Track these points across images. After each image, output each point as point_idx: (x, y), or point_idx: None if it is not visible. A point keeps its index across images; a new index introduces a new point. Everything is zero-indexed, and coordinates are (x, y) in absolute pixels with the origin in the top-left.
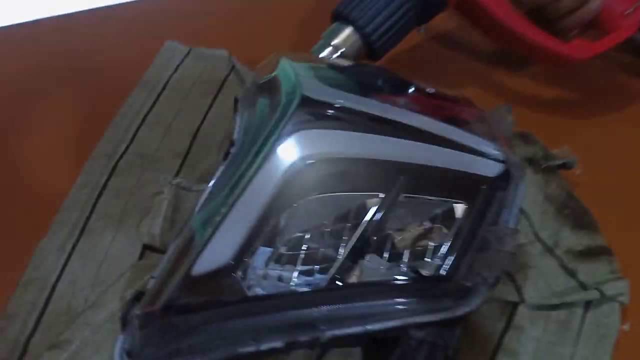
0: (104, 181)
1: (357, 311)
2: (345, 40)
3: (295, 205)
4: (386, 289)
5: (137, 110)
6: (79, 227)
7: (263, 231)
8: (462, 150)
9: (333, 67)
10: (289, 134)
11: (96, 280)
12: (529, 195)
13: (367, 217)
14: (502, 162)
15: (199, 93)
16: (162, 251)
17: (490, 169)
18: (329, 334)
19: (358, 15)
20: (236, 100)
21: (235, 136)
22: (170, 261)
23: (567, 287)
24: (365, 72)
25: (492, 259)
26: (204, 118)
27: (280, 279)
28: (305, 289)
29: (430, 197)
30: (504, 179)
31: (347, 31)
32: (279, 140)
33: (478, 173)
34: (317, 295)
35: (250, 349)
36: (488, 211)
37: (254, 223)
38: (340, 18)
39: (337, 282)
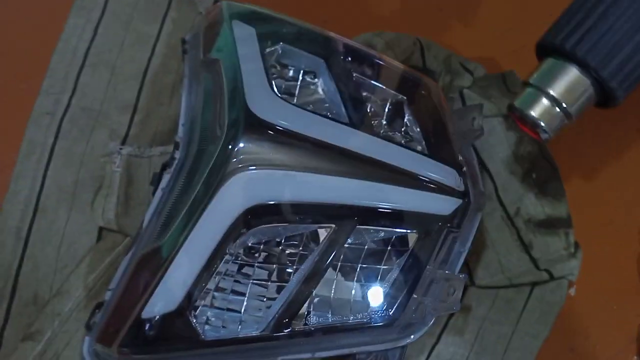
0: (50, 145)
1: (306, 344)
2: (570, 89)
3: (241, 240)
4: (334, 330)
5: (75, 45)
6: (31, 205)
7: (210, 271)
8: (416, 187)
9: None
10: (234, 174)
11: (57, 265)
12: (499, 154)
13: (319, 248)
14: (460, 197)
15: (143, 21)
16: (119, 232)
17: (446, 206)
18: (280, 358)
19: (588, 51)
20: (183, 41)
21: (180, 135)
22: (124, 286)
23: (519, 266)
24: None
25: (437, 303)
26: (152, 53)
27: (224, 324)
28: (255, 332)
29: (381, 229)
30: (460, 215)
31: (572, 74)
32: (222, 184)
33: (432, 213)
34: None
35: None
36: (440, 249)
37: (201, 267)
38: (555, 53)
39: (284, 321)
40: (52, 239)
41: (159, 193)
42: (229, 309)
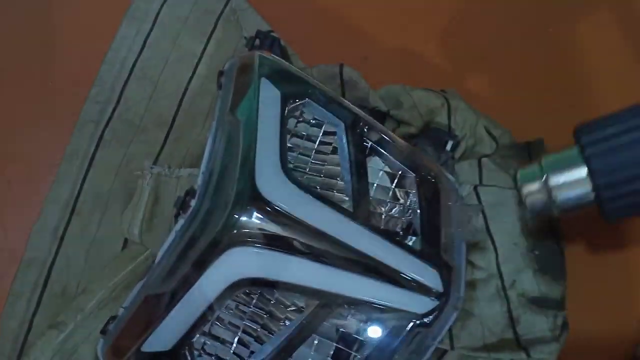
0: (91, 153)
1: None
2: (569, 186)
3: (229, 305)
4: None
5: (124, 56)
6: (69, 208)
7: (204, 323)
8: (396, 284)
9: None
10: (234, 245)
11: (85, 265)
12: (506, 225)
13: (299, 321)
14: (437, 297)
15: (189, 37)
16: (141, 244)
17: (421, 305)
18: None
19: (597, 155)
20: (220, 74)
21: (198, 183)
22: (129, 318)
23: (502, 338)
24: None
25: None
26: (193, 73)
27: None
28: None
29: (358, 320)
30: (435, 314)
31: (579, 173)
32: (222, 252)
33: (407, 310)
34: None
35: None
36: (410, 343)
37: (194, 320)
38: (582, 143)
39: None
40: (83, 242)
41: (172, 234)
42: (223, 340)
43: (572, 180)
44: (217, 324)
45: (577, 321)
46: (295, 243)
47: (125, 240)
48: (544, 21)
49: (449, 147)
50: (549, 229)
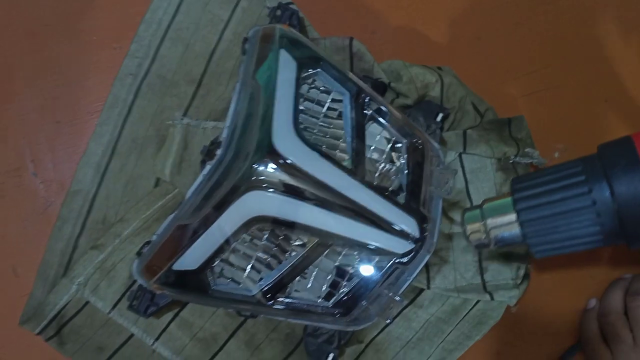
0: (130, 102)
1: (282, 312)
2: (502, 226)
3: (245, 238)
4: (303, 310)
5: (160, 18)
6: (110, 148)
7: (224, 250)
8: (383, 229)
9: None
10: (253, 189)
11: (122, 198)
12: (484, 188)
13: (304, 251)
14: (414, 242)
15: (218, 4)
16: (171, 184)
17: (401, 247)
18: (262, 315)
19: (528, 211)
20: (245, 40)
21: (224, 136)
22: (162, 243)
23: (471, 283)
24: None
25: (379, 311)
26: (220, 37)
27: (233, 280)
28: (249, 294)
29: (351, 253)
30: (411, 255)
31: (510, 218)
32: (243, 194)
33: (387, 249)
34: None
35: (214, 306)
36: (389, 276)
37: (217, 246)
38: (514, 198)
39: (269, 295)
40: (122, 178)
41: (200, 177)
42: (238, 267)
43: (505, 223)
44: (234, 254)
45: (538, 274)
46: (302, 190)
47: (157, 180)
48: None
49: (439, 118)
50: None
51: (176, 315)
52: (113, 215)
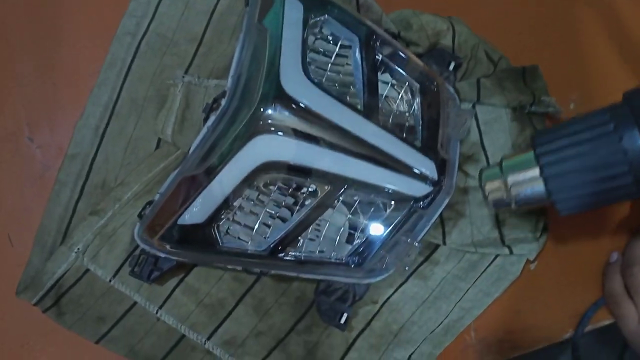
0: (129, 62)
1: (293, 267)
2: (525, 184)
3: (255, 188)
4: (316, 262)
5: None
6: (109, 110)
7: (232, 201)
8: (400, 172)
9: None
10: (260, 133)
11: (123, 161)
12: (499, 140)
13: (316, 200)
14: (432, 185)
15: None
16: (173, 144)
17: (419, 190)
18: (273, 271)
19: (549, 164)
20: None
21: (228, 85)
22: (167, 198)
23: (488, 237)
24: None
25: (397, 260)
26: None
27: (239, 237)
28: (259, 250)
29: (361, 199)
30: (430, 199)
31: (533, 173)
32: (251, 139)
33: (407, 193)
34: (264, 258)
35: (220, 265)
36: (407, 222)
37: (225, 197)
38: (536, 153)
39: (280, 247)
40: (121, 140)
41: (204, 129)
42: (245, 225)
43: (528, 179)
44: (241, 211)
45: (556, 227)
46: (313, 133)
47: (159, 141)
48: None
49: (451, 67)
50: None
51: (181, 281)
52: (113, 178)
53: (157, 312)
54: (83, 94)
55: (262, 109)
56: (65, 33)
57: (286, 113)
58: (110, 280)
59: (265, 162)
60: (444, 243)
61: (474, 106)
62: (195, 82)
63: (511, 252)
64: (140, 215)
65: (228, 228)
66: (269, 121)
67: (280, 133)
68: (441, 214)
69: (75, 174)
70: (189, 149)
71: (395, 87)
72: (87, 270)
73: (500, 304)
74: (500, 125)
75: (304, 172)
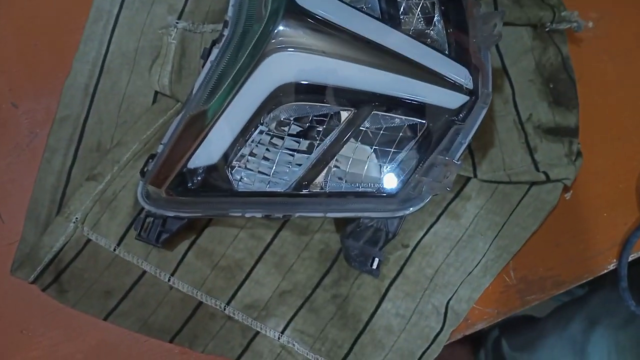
0: (115, 14)
1: (321, 202)
2: None
3: (274, 114)
4: (344, 195)
5: None
6: (98, 66)
7: (246, 136)
8: (431, 82)
9: None
10: (273, 52)
11: (118, 120)
12: (522, 61)
13: (340, 127)
14: (468, 94)
15: None
16: (172, 97)
17: (454, 101)
18: (297, 214)
19: None
20: None
21: (229, 14)
22: (174, 141)
23: (520, 165)
24: None
25: (434, 184)
26: None
27: (255, 183)
28: (279, 188)
29: (396, 116)
30: (466, 110)
31: None
32: (262, 60)
33: (441, 106)
34: (286, 196)
35: (237, 214)
36: (443, 137)
37: (239, 131)
38: None
39: (304, 184)
40: (114, 97)
41: (207, 65)
42: (259, 172)
43: None
44: (254, 157)
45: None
46: (332, 47)
47: (156, 95)
48: None
49: None
50: (560, 64)
51: (192, 243)
52: (108, 139)
53: (169, 280)
54: (68, 53)
55: (271, 27)
56: None
57: (300, 27)
58: (114, 250)
59: (280, 86)
60: (475, 175)
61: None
62: (189, 27)
63: (548, 178)
64: (142, 173)
65: (241, 177)
66: (281, 38)
67: (293, 50)
68: (469, 144)
69: (66, 138)
70: (192, 89)
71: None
72: (89, 240)
73: (537, 238)
74: (521, 45)
75: (325, 93)
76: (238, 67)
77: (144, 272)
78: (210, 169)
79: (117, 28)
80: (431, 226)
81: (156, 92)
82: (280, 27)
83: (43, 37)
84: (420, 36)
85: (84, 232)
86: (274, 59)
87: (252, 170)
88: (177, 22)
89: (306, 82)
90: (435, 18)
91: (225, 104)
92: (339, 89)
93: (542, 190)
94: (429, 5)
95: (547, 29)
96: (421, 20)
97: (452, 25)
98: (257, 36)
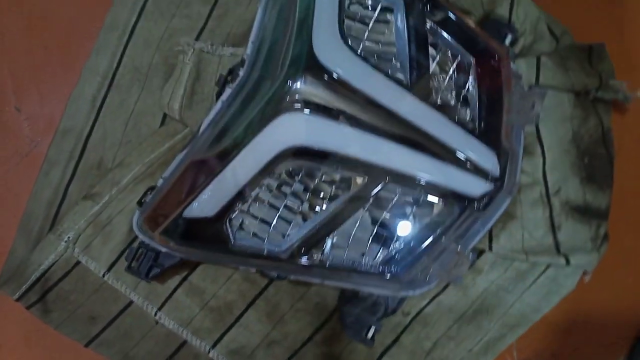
0: (132, 23)
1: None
2: None
3: (276, 176)
4: (345, 270)
5: None
6: (108, 79)
7: (247, 193)
8: (452, 164)
9: None
10: (287, 111)
11: (123, 139)
12: (558, 129)
13: (347, 196)
14: (492, 182)
15: None
16: (180, 121)
17: (477, 188)
18: (293, 276)
19: None
20: None
21: (248, 52)
22: (172, 184)
23: (542, 243)
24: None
25: (442, 271)
26: None
27: (255, 234)
28: (278, 249)
29: (409, 194)
30: (488, 199)
31: None
32: (275, 117)
33: (461, 191)
34: (284, 261)
35: (232, 266)
36: (457, 225)
37: (240, 187)
38: None
39: (304, 249)
40: (121, 114)
41: (218, 104)
42: (257, 231)
43: None
44: (257, 203)
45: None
46: (348, 112)
47: (164, 117)
48: None
49: (508, 40)
50: (599, 137)
51: (184, 279)
52: (111, 158)
53: (156, 314)
54: (79, 59)
55: (289, 82)
56: None
57: (319, 86)
58: (103, 275)
59: (289, 147)
60: (490, 249)
61: (530, 89)
62: (208, 49)
63: (568, 263)
64: (140, 203)
65: (242, 222)
66: (297, 96)
67: (308, 111)
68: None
69: (67, 151)
70: (199, 127)
71: (447, 60)
72: (78, 262)
73: (547, 321)
74: (561, 112)
75: (336, 160)
76: (248, 120)
77: (131, 302)
78: (206, 222)
79: (133, 39)
80: (436, 296)
81: (165, 114)
82: (297, 85)
83: (54, 40)
84: (447, 105)
85: (74, 253)
86: (286, 119)
87: (250, 227)
88: (194, 42)
89: (317, 148)
90: (469, 83)
91: (230, 158)
92: (350, 158)
93: (560, 273)
94: (466, 65)
95: (591, 97)
96: (452, 86)
97: (486, 96)
98: (273, 90)
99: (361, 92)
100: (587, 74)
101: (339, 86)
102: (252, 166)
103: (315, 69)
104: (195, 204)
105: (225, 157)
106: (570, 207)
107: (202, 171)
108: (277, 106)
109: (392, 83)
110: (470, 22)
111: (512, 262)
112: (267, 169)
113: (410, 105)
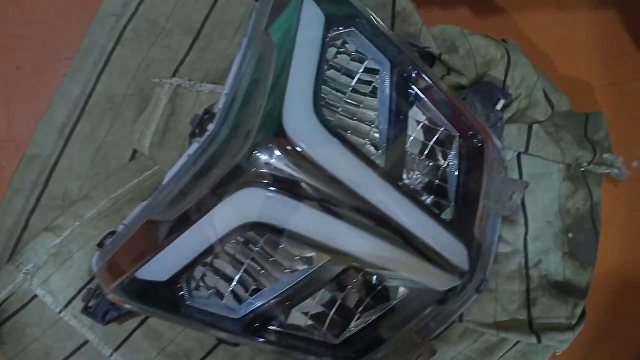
0: (109, 50)
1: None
2: None
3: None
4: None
5: None
6: (79, 106)
7: (201, 261)
8: (420, 257)
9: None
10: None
11: (90, 170)
12: (544, 200)
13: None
14: (459, 276)
15: None
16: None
17: (442, 283)
18: (250, 343)
19: None
20: None
21: (219, 106)
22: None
23: (514, 318)
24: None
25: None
26: None
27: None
28: (232, 316)
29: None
30: (453, 293)
31: None
32: (236, 190)
33: (424, 284)
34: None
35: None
36: (417, 314)
37: (194, 256)
38: None
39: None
40: (90, 145)
41: (184, 158)
42: (216, 289)
43: None
44: (219, 259)
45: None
46: (311, 192)
47: (134, 151)
48: None
49: (499, 106)
50: (586, 213)
51: (142, 322)
52: (76, 190)
53: (111, 355)
54: (51, 82)
55: (255, 153)
56: (37, 5)
57: (283, 160)
58: (60, 312)
59: (249, 222)
60: (460, 320)
61: (519, 156)
62: (185, 84)
63: (539, 341)
64: (100, 245)
65: (203, 275)
66: (262, 170)
67: (271, 188)
68: None
69: (31, 180)
70: (167, 172)
71: (428, 131)
72: (36, 296)
73: None
74: (548, 183)
75: (295, 238)
76: (209, 187)
77: (87, 341)
78: (159, 285)
79: (108, 67)
80: None
81: (135, 149)
82: (263, 157)
83: (28, 60)
84: (422, 183)
85: (32, 285)
86: (245, 194)
87: (205, 290)
88: (172, 77)
89: (277, 225)
90: (449, 159)
91: (185, 226)
92: (311, 240)
93: (530, 348)
94: (448, 139)
95: (582, 169)
96: (430, 160)
97: (465, 176)
98: (236, 160)
99: (327, 172)
100: (580, 146)
101: (307, 164)
102: (207, 237)
103: (282, 142)
104: (149, 266)
105: (182, 223)
106: (548, 282)
107: (158, 234)
108: (238, 180)
109: (362, 164)
110: (456, 99)
111: (482, 334)
112: (224, 240)
113: (378, 190)
